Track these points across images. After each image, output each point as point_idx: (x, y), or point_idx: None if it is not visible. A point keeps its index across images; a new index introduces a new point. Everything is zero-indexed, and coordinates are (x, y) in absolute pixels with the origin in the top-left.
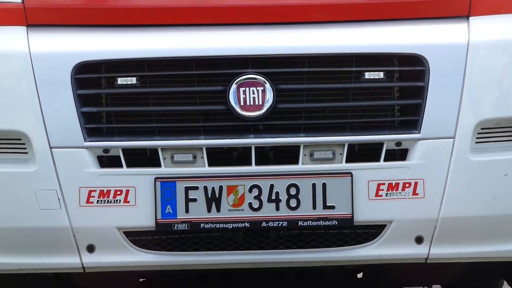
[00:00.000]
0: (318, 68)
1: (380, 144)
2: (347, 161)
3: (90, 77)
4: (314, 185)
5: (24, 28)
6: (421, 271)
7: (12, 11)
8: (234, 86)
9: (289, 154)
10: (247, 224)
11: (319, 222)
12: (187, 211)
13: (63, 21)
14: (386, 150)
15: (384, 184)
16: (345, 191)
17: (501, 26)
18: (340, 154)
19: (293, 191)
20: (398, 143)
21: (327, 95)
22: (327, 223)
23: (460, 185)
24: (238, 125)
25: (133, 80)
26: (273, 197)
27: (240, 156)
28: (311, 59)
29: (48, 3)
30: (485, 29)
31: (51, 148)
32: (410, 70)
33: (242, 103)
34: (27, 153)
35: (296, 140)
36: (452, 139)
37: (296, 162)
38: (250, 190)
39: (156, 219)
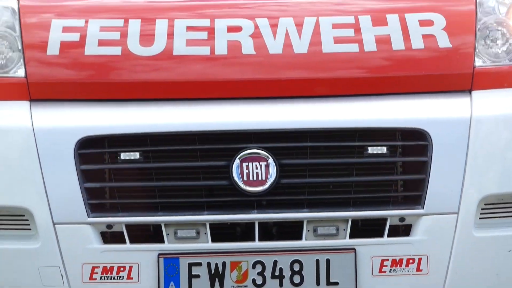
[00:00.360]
0: (321, 143)
1: (383, 220)
2: (351, 236)
3: (93, 152)
4: (317, 261)
5: (27, 103)
6: None
7: (15, 85)
8: (237, 161)
9: (292, 230)
10: None
11: None
12: (190, 287)
13: (66, 96)
14: (390, 225)
15: (388, 260)
16: (348, 267)
17: (503, 100)
18: (344, 229)
19: (296, 267)
20: (402, 219)
21: (330, 169)
22: None
23: (464, 261)
24: (241, 200)
25: (136, 155)
26: (277, 273)
27: (243, 231)
28: (314, 133)
29: (51, 78)
30: (488, 103)
31: (54, 224)
32: (413, 145)
33: (245, 178)
34: (30, 229)
35: (300, 215)
36: (456, 215)
37: (299, 237)
38: (254, 266)
39: None
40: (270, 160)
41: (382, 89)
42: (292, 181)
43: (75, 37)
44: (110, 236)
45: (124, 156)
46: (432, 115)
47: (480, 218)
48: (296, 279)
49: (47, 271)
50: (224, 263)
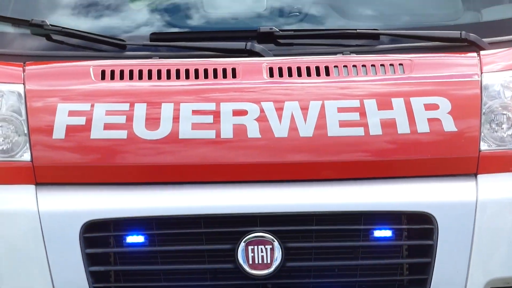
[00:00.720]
0: (327, 226)
1: None
2: None
3: (98, 235)
4: None
5: (33, 186)
6: None
7: (21, 169)
8: (242, 244)
9: None
10: None
11: None
12: None
13: (71, 180)
14: None
15: None
16: None
17: (509, 184)
18: None
19: None
20: None
21: (335, 253)
22: None
23: None
24: (247, 284)
25: (142, 239)
26: None
27: None
28: (320, 217)
29: (57, 162)
30: (493, 187)
31: None
32: (419, 228)
33: (250, 262)
34: None
35: None
36: None
37: None
38: None
39: None
40: (276, 244)
41: (388, 172)
42: (297, 265)
43: (81, 121)
44: None
45: (129, 239)
46: (438, 198)
47: None
48: None
49: None
50: None
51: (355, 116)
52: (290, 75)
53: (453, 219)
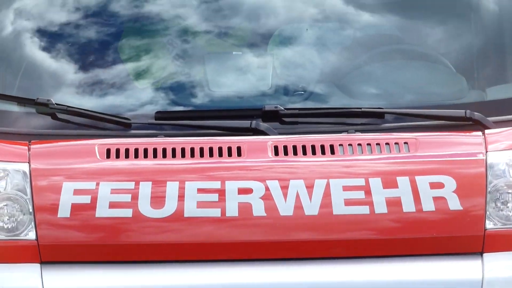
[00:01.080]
0: None
1: None
2: None
3: None
4: None
5: (38, 265)
6: None
7: (26, 248)
8: None
9: None
10: None
11: None
12: None
13: (77, 258)
14: None
15: None
16: None
17: None
18: None
19: None
20: None
21: None
22: None
23: None
24: None
25: None
26: None
27: None
28: None
29: (62, 240)
30: (499, 265)
31: None
32: None
33: None
34: None
35: None
36: None
37: None
38: None
39: None
40: None
41: (393, 251)
42: None
43: (86, 199)
44: None
45: None
46: (443, 277)
47: None
48: None
49: None
50: None
51: (360, 195)
52: (295, 153)
53: None
